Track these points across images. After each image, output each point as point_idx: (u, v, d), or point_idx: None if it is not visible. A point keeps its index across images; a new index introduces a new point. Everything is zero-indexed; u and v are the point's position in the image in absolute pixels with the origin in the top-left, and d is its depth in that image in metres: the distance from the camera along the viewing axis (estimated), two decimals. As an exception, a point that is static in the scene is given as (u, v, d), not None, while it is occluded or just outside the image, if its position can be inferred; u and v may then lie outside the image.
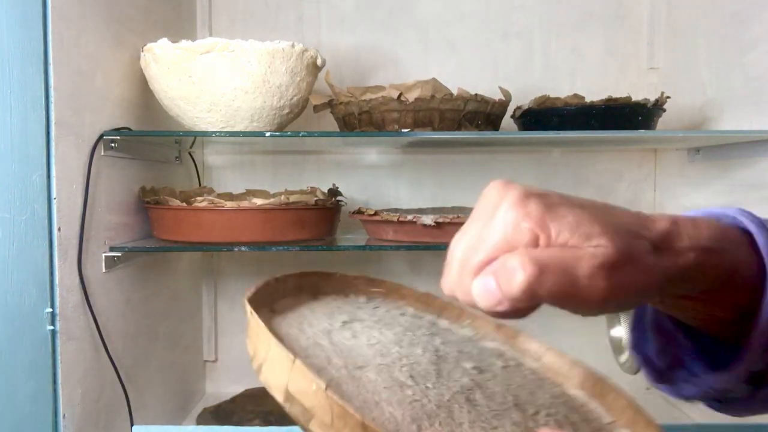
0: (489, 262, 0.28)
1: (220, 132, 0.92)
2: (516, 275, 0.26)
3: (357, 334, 0.39)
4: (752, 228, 0.36)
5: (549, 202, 0.29)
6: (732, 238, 0.35)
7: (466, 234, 0.30)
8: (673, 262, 0.31)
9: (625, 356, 0.98)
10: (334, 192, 0.98)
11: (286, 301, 0.42)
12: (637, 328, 0.43)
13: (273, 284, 0.41)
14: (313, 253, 1.26)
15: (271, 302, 0.41)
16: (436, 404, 0.33)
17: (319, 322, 0.40)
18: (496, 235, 0.28)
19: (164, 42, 0.88)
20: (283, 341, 0.34)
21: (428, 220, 0.88)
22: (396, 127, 0.94)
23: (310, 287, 0.45)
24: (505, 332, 0.47)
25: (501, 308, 0.27)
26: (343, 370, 0.33)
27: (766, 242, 0.35)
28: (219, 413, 1.11)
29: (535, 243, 0.28)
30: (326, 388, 0.27)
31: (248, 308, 0.34)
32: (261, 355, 0.31)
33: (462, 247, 0.30)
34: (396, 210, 0.98)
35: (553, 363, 0.44)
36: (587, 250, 0.28)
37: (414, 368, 0.36)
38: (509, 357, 0.45)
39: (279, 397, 0.30)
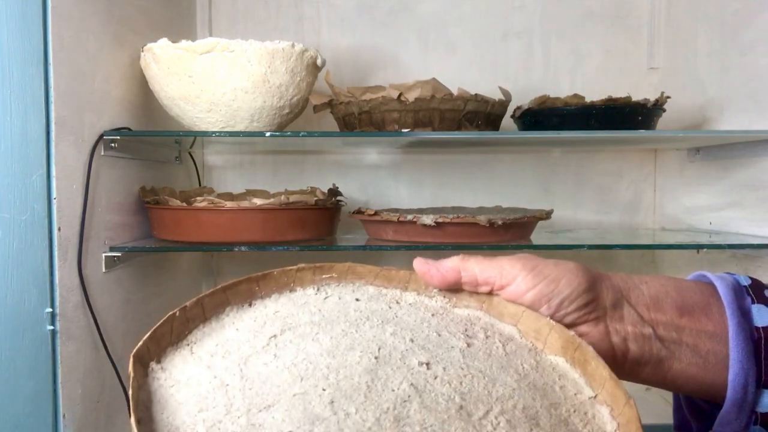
0: None
1: (220, 132, 0.92)
2: None
3: (281, 353, 0.35)
4: (716, 281, 0.39)
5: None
6: (700, 289, 0.40)
7: None
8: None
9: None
10: (334, 192, 0.98)
11: (207, 327, 0.38)
12: (678, 412, 0.44)
13: (181, 315, 0.37)
14: (313, 253, 1.26)
15: (184, 333, 0.37)
16: None
17: (240, 346, 0.36)
18: None
19: (164, 42, 0.88)
20: (181, 392, 0.32)
21: (428, 220, 0.88)
22: (396, 127, 0.94)
23: (242, 296, 0.40)
24: (478, 297, 0.42)
25: None
26: (243, 419, 0.30)
27: (726, 291, 0.38)
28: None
29: None
30: None
31: (130, 365, 0.31)
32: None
33: None
34: (396, 210, 0.98)
35: (531, 325, 0.40)
36: None
37: (340, 385, 0.33)
38: (482, 325, 0.41)
39: None
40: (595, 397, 0.35)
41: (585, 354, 0.37)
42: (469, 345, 0.38)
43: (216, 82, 0.88)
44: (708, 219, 1.10)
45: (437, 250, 0.90)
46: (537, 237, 1.00)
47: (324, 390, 0.32)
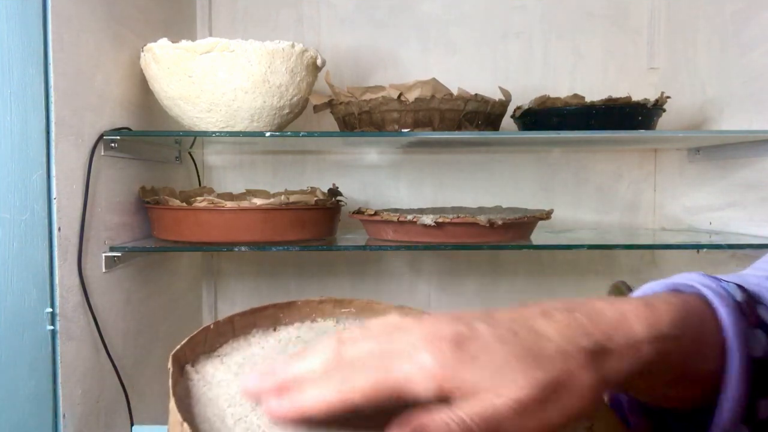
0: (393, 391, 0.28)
1: (220, 132, 0.92)
2: None
3: None
4: (716, 302, 0.33)
5: (465, 350, 0.28)
6: (694, 314, 0.32)
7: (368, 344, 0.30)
8: (621, 363, 0.30)
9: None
10: (334, 192, 0.98)
11: (236, 343, 0.42)
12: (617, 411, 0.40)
13: (215, 328, 0.41)
14: (313, 253, 1.26)
15: (215, 346, 0.41)
16: None
17: (265, 360, 0.40)
18: (408, 372, 0.28)
19: (164, 42, 0.88)
20: (212, 391, 0.35)
21: (428, 220, 0.88)
22: (396, 127, 0.94)
23: (268, 320, 0.45)
24: None
25: None
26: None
27: (730, 321, 0.33)
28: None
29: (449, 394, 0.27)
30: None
31: (169, 363, 0.35)
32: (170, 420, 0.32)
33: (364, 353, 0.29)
34: (396, 210, 0.98)
35: None
36: (505, 398, 0.27)
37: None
38: None
39: None
40: None
41: None
42: None
43: (216, 82, 0.88)
44: (708, 219, 1.10)
45: (437, 249, 0.90)
46: (537, 237, 1.00)
47: None
